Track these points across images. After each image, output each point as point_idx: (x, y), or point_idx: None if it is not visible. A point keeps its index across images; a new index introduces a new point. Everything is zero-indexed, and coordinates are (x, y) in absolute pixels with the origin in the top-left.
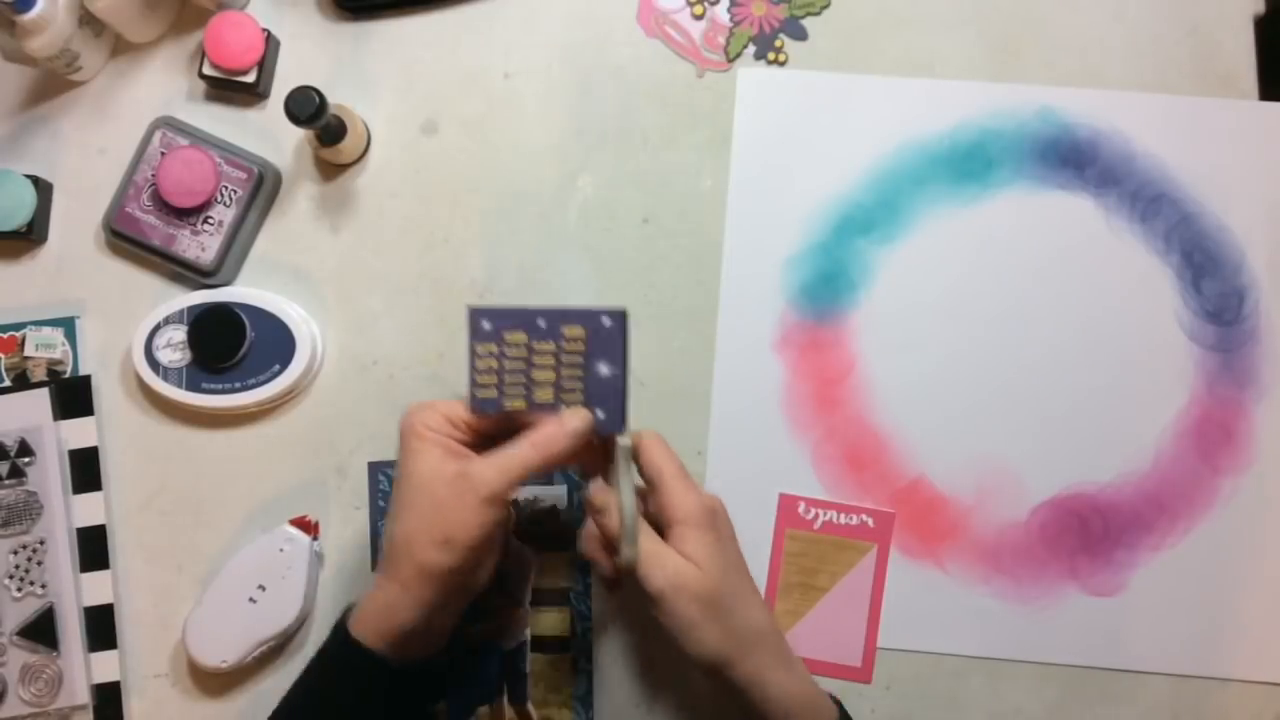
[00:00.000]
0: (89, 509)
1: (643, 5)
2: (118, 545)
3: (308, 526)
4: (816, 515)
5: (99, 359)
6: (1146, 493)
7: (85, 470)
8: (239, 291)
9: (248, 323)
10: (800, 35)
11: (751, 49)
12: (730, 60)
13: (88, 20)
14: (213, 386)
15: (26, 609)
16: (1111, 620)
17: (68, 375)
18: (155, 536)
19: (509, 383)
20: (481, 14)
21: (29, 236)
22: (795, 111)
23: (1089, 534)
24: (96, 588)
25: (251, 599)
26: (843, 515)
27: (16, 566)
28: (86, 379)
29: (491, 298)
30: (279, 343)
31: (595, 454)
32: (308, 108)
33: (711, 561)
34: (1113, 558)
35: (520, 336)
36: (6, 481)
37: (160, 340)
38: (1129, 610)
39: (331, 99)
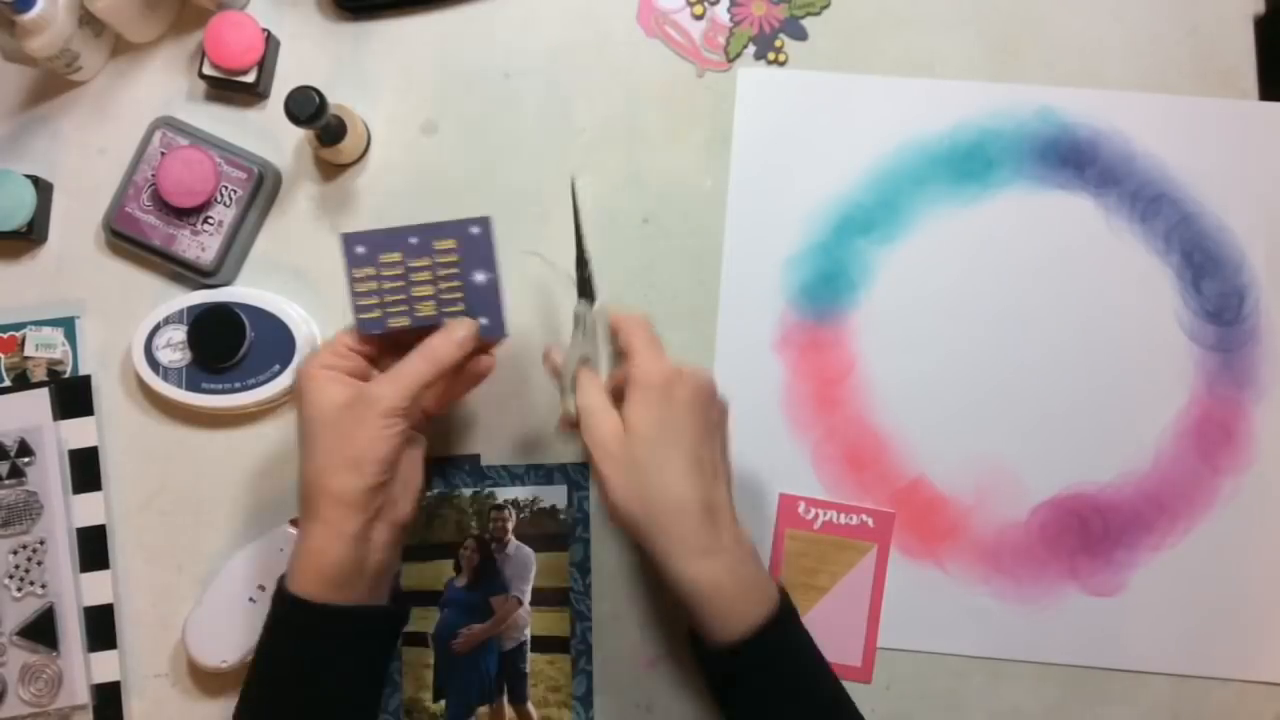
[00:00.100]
0: (89, 509)
1: (643, 5)
2: (118, 545)
3: None
4: (816, 515)
5: (99, 359)
6: (1146, 493)
7: (85, 470)
8: (239, 291)
9: (248, 323)
10: (800, 35)
11: (751, 49)
12: (730, 60)
13: (88, 20)
14: (213, 386)
15: (26, 609)
16: (1111, 620)
17: (68, 375)
18: (155, 536)
19: (390, 302)
20: (481, 14)
21: (29, 236)
22: (795, 111)
23: (1089, 534)
24: (96, 588)
25: (251, 599)
26: (843, 515)
27: (16, 566)
28: (86, 379)
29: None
30: (279, 343)
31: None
32: (308, 108)
33: (644, 426)
34: (1113, 558)
35: (395, 256)
36: (6, 481)
37: (160, 340)
38: (1129, 610)
39: (331, 99)
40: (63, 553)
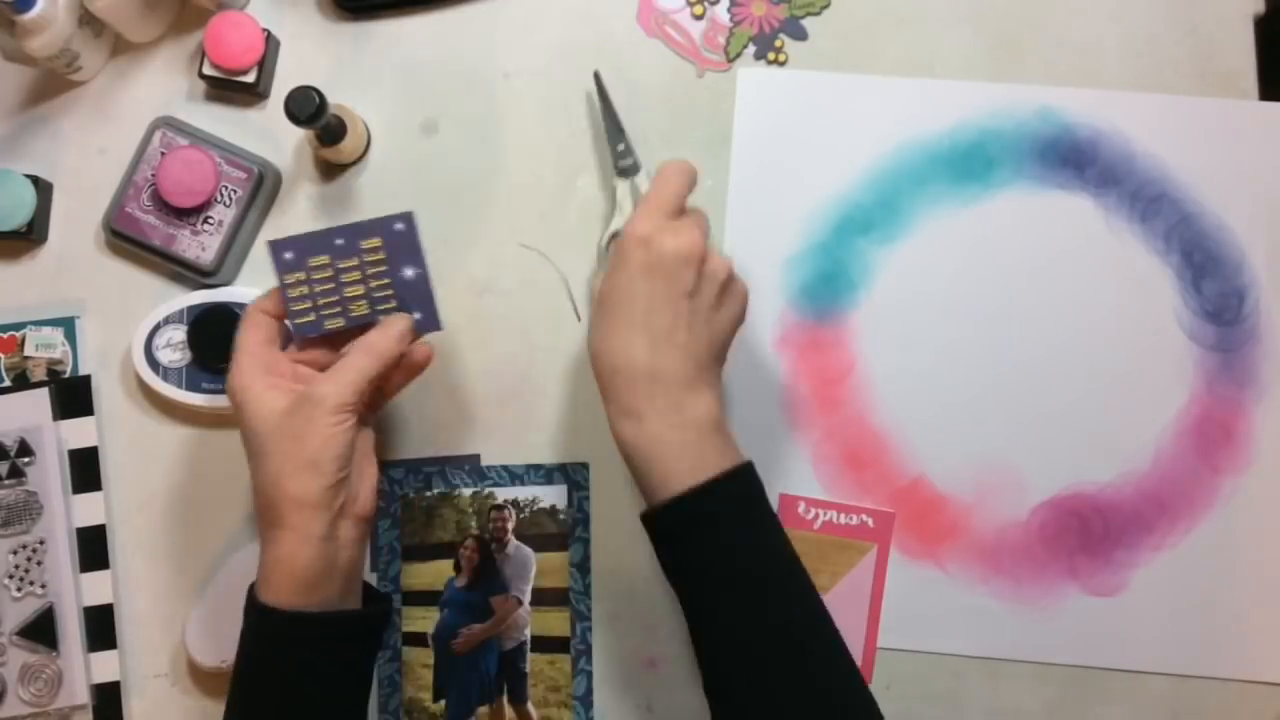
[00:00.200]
0: (89, 509)
1: (643, 5)
2: (118, 545)
3: None
4: (816, 515)
5: (99, 359)
6: (1146, 492)
7: (85, 470)
8: (239, 291)
9: None
10: (800, 35)
11: (751, 49)
12: (730, 60)
13: (88, 20)
14: (213, 386)
15: (26, 609)
16: (1111, 620)
17: (68, 375)
18: (155, 536)
19: (324, 304)
20: (481, 14)
21: (29, 236)
22: (795, 111)
23: (1089, 534)
24: (96, 588)
25: None
26: (843, 515)
27: (16, 566)
28: (86, 379)
29: (491, 297)
30: None
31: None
32: (308, 108)
33: (605, 286)
34: (1113, 558)
35: (323, 259)
36: (6, 481)
37: (160, 340)
38: (1129, 610)
39: (331, 99)
40: (63, 553)
